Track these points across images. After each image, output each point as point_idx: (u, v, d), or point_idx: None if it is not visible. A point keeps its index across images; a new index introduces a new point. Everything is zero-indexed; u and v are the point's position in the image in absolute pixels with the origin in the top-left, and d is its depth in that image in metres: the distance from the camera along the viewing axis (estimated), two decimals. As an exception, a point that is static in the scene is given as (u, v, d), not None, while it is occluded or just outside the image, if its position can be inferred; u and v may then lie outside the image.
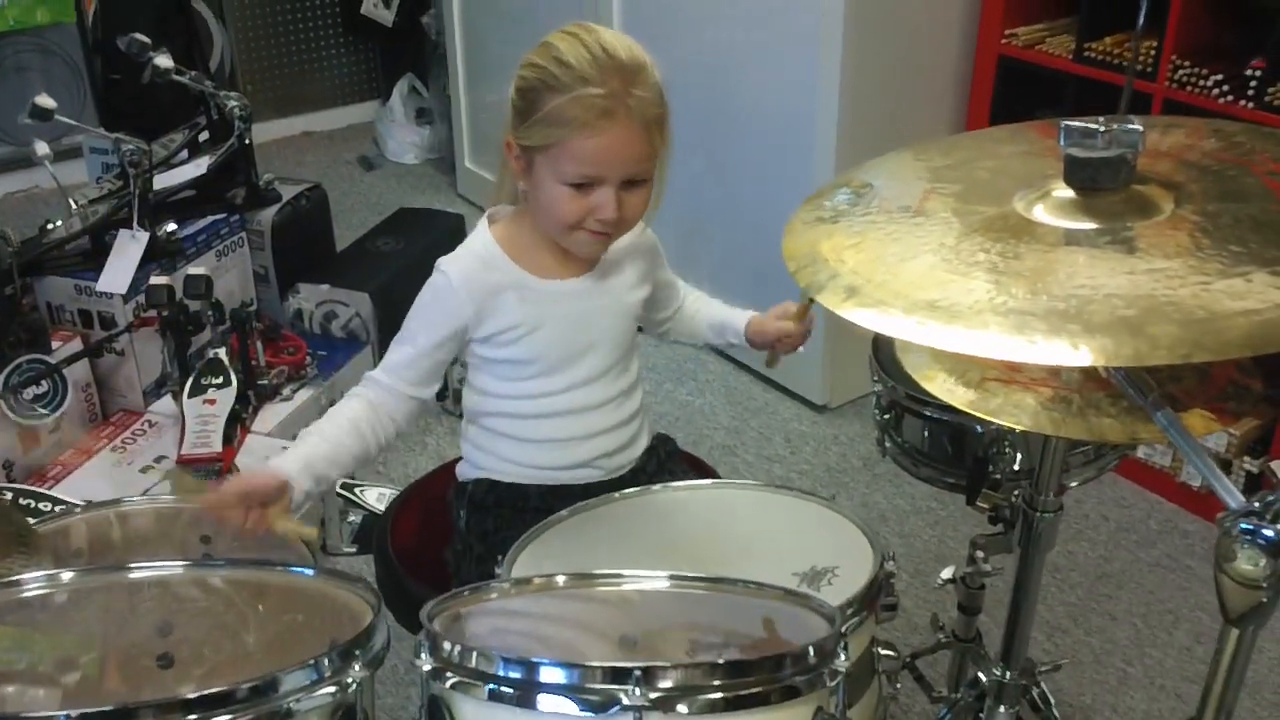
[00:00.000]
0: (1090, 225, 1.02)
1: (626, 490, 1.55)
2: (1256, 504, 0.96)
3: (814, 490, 1.76)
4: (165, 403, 2.59)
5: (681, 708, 0.93)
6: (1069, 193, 1.06)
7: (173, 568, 1.13)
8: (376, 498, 2.51)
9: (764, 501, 1.56)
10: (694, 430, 2.99)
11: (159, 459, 2.43)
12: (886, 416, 1.81)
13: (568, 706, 0.94)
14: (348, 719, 0.98)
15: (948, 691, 1.96)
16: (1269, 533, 0.95)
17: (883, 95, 2.71)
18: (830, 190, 1.23)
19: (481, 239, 1.56)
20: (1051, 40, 2.72)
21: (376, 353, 2.88)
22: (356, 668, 0.98)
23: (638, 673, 0.92)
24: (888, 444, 1.84)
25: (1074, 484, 1.71)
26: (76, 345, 2.48)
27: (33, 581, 1.07)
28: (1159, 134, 1.15)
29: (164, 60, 2.74)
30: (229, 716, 0.90)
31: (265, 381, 2.60)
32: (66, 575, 1.09)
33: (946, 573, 1.95)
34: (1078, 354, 0.84)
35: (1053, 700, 1.72)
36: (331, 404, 2.67)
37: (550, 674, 0.94)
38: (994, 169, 1.15)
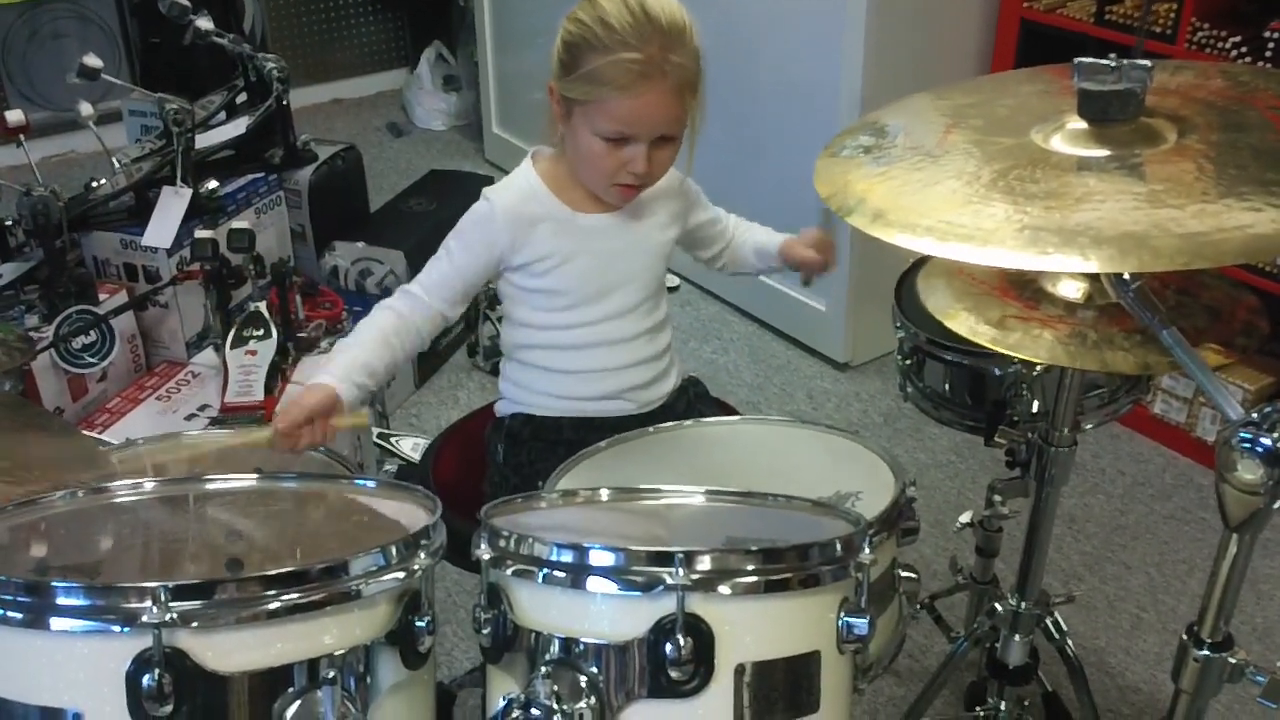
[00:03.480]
0: (1102, 153, 1.10)
1: (660, 424, 1.62)
2: (1255, 415, 1.03)
3: (839, 425, 1.83)
4: (207, 354, 2.66)
5: (723, 589, 1.01)
6: (1082, 124, 1.13)
7: (244, 480, 1.22)
8: (411, 447, 2.60)
9: (790, 435, 1.63)
10: (718, 387, 3.05)
11: (202, 407, 2.51)
12: (908, 362, 1.87)
13: (615, 587, 1.02)
14: (413, 604, 1.06)
15: (964, 634, 2.03)
16: (1266, 441, 1.02)
17: (906, 59, 2.76)
18: (856, 129, 1.30)
19: (525, 173, 1.64)
20: (1073, 4, 2.77)
21: (410, 309, 2.95)
22: (422, 556, 1.07)
23: (680, 555, 1.00)
24: (909, 389, 1.90)
25: (1089, 426, 1.78)
26: (123, 298, 2.55)
27: (119, 489, 1.15)
28: (1169, 75, 1.21)
29: (205, 22, 2.82)
30: (300, 593, 0.97)
31: (304, 334, 2.67)
32: (149, 484, 1.17)
33: (965, 517, 2.02)
34: (1087, 263, 0.92)
35: (1066, 628, 1.79)
36: (367, 356, 2.76)
37: (599, 557, 1.02)
38: (1013, 106, 1.22)
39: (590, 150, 1.53)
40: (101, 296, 2.52)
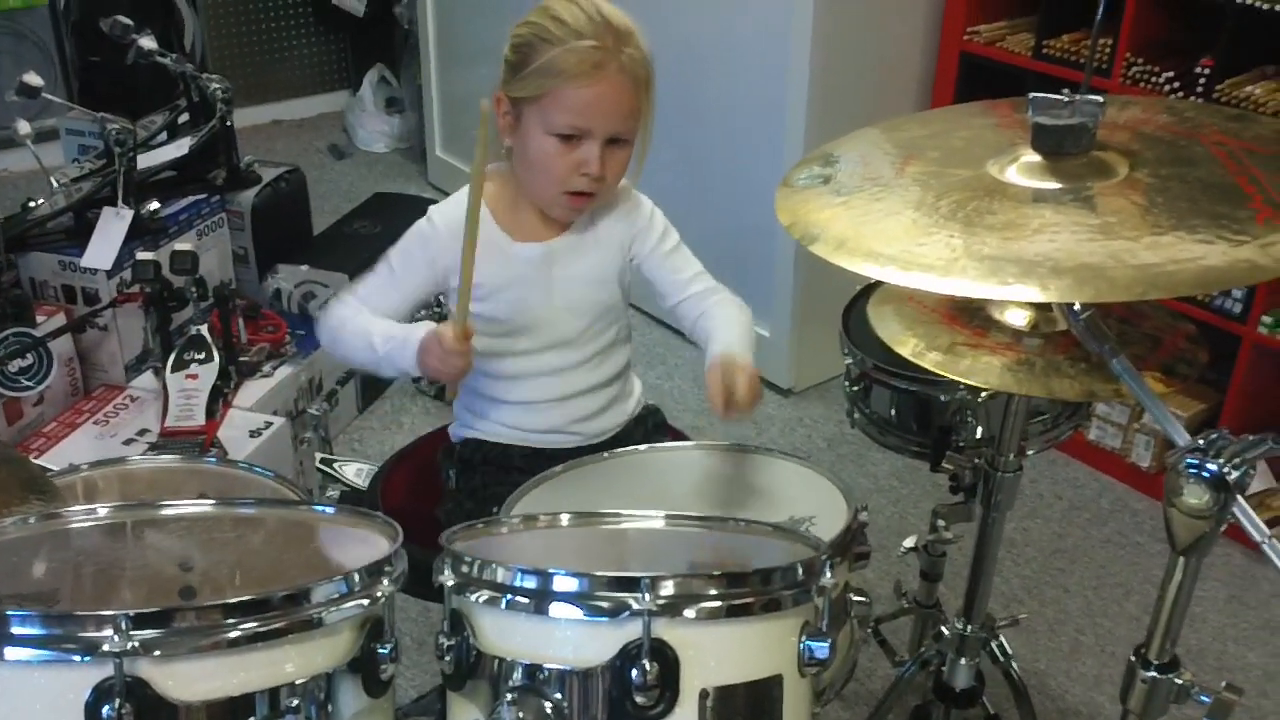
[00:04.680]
0: (1055, 185, 1.13)
1: (616, 450, 1.62)
2: (1201, 441, 1.06)
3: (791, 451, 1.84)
4: (146, 378, 2.62)
5: (688, 613, 1.02)
6: (1036, 157, 1.16)
7: (200, 506, 1.20)
8: (355, 473, 2.57)
9: (744, 461, 1.64)
10: (663, 412, 3.07)
11: (141, 432, 2.47)
12: (855, 388, 1.89)
13: (580, 613, 1.02)
14: (376, 630, 1.05)
15: (909, 657, 2.05)
16: (1212, 467, 1.05)
17: (850, 89, 2.80)
18: (811, 160, 1.32)
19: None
20: (1012, 38, 2.84)
21: (354, 332, 2.93)
22: (385, 582, 1.06)
23: (646, 580, 1.00)
24: (856, 415, 1.92)
25: (1031, 451, 1.81)
26: (61, 320, 2.51)
27: (72, 514, 1.14)
28: (1117, 109, 1.25)
29: (148, 42, 2.79)
30: (261, 622, 0.96)
31: (246, 358, 2.65)
32: (102, 510, 1.15)
33: (909, 541, 2.04)
34: (1046, 293, 0.94)
35: (1011, 653, 1.82)
36: (310, 381, 2.74)
37: (563, 583, 1.02)
38: (968, 139, 1.25)
39: (542, 153, 1.51)
40: (40, 318, 2.48)
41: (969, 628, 1.75)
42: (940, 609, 2.08)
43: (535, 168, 1.54)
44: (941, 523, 1.92)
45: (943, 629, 1.79)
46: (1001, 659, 1.80)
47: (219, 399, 2.46)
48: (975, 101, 1.41)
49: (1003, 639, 1.81)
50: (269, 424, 2.45)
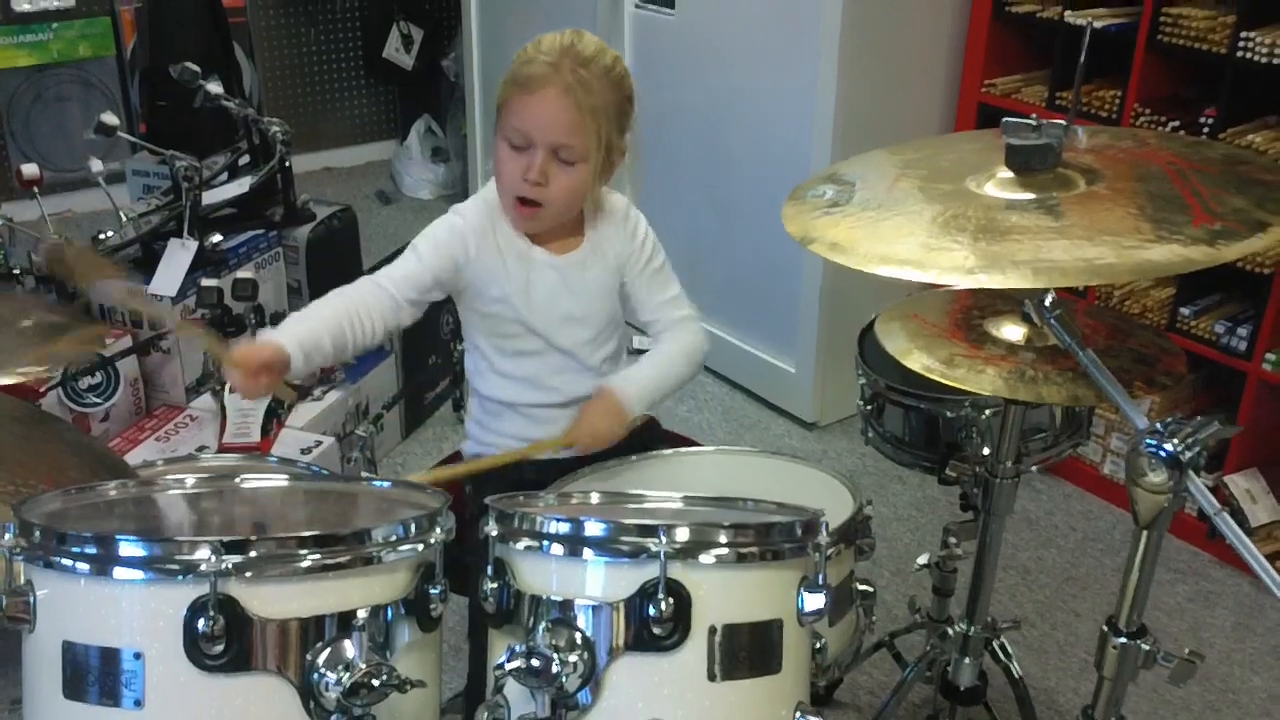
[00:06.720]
0: (1025, 196, 1.28)
1: (645, 453, 1.76)
2: (1159, 425, 1.19)
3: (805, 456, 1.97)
4: (205, 400, 2.78)
5: (700, 558, 1.16)
6: (1009, 173, 1.31)
7: (273, 479, 1.36)
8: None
9: (759, 464, 1.78)
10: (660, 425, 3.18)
11: (200, 448, 2.63)
12: (869, 407, 2.02)
13: (606, 556, 1.17)
14: (429, 573, 1.20)
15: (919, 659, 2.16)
16: (1169, 447, 1.18)
17: (872, 139, 2.92)
18: (818, 179, 1.48)
19: (491, 193, 1.73)
20: (1026, 89, 2.98)
21: (399, 361, 3.09)
22: (437, 531, 1.21)
23: (663, 527, 1.15)
24: (870, 433, 2.04)
25: (1034, 468, 1.93)
26: (128, 342, 2.69)
27: (164, 483, 1.30)
28: (1087, 137, 1.40)
29: (215, 86, 2.99)
30: (327, 554, 1.11)
31: (298, 383, 2.81)
32: (189, 479, 1.32)
33: (923, 558, 2.16)
34: (1005, 280, 1.09)
35: (1012, 653, 1.93)
36: (358, 405, 2.90)
37: (593, 528, 1.17)
38: (954, 160, 1.41)
39: (499, 157, 1.65)
40: (108, 341, 2.64)
41: (972, 628, 1.86)
42: (951, 623, 2.18)
43: (497, 170, 1.67)
44: (953, 540, 2.03)
45: (947, 629, 1.90)
46: (1003, 658, 1.91)
47: (273, 418, 2.63)
48: (966, 131, 1.56)
49: (1004, 640, 1.92)
50: (318, 443, 2.61)
